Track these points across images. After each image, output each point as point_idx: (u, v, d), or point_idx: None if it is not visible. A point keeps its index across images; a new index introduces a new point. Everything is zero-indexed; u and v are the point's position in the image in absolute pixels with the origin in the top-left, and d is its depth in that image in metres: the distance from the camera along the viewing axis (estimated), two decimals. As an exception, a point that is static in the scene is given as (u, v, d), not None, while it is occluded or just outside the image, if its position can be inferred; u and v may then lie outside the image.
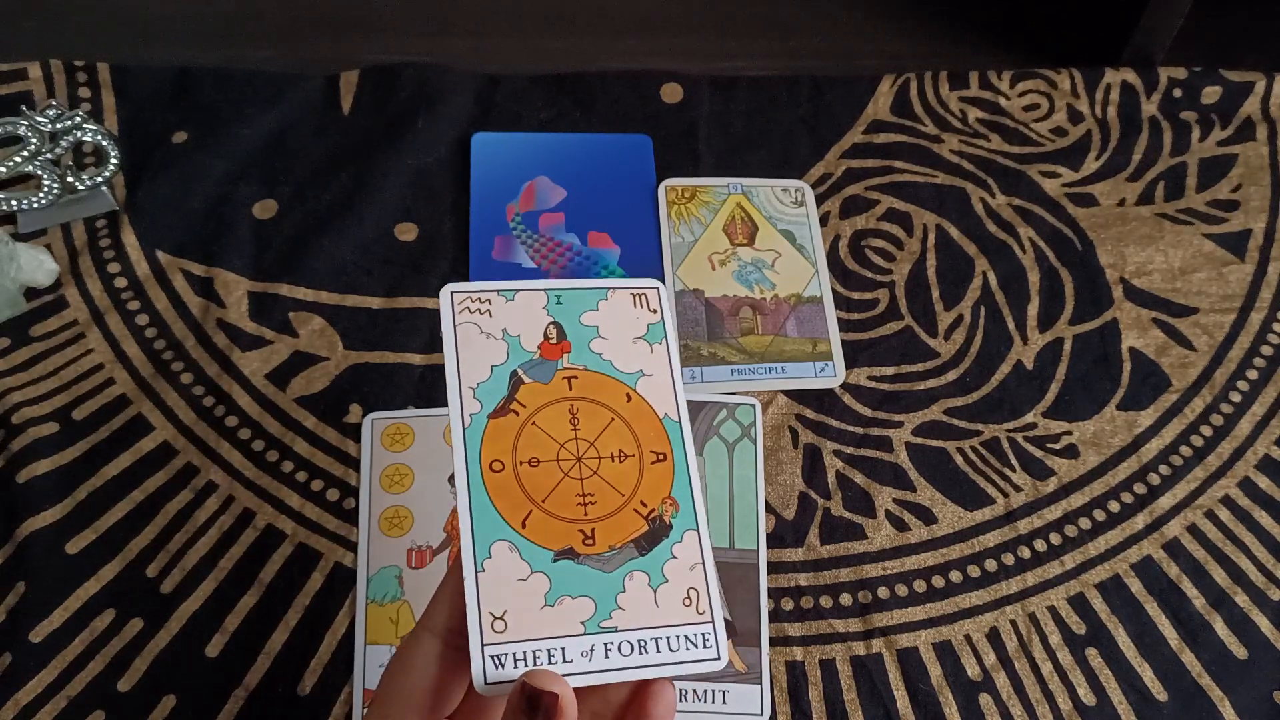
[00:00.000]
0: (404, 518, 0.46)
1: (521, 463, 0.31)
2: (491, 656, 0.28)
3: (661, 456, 0.32)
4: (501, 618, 0.28)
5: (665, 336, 0.34)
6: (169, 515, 0.47)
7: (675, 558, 0.30)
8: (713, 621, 0.30)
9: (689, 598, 0.30)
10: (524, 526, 0.30)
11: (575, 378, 0.32)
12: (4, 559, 0.45)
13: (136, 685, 0.43)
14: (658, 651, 0.29)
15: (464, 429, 0.31)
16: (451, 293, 0.32)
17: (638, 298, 0.34)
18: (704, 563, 0.31)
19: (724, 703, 0.44)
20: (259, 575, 0.45)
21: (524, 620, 0.28)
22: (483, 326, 0.32)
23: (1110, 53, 0.64)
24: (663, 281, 0.55)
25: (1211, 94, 0.63)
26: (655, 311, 0.34)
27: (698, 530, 0.31)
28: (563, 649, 0.28)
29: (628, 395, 0.32)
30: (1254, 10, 0.68)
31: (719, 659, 0.29)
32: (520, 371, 0.32)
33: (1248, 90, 0.63)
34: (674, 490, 0.31)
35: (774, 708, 0.44)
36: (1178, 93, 0.63)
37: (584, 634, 0.29)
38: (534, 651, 0.28)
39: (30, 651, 0.43)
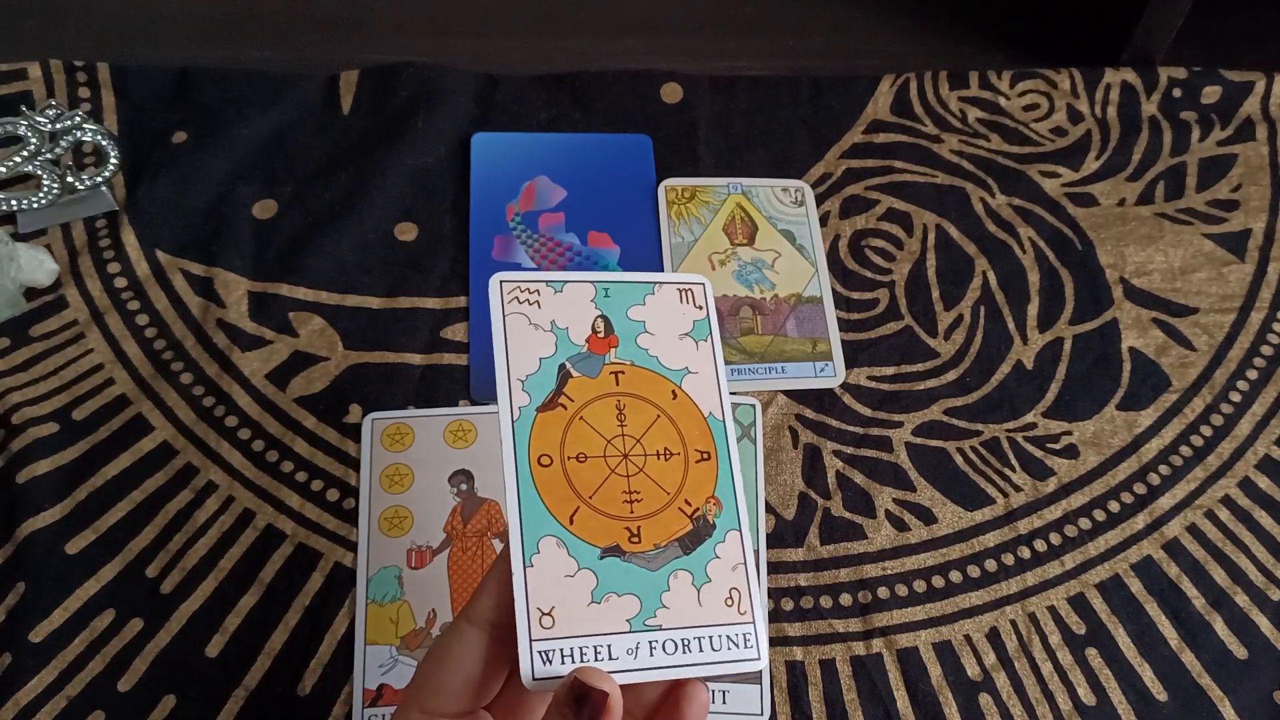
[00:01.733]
0: (404, 518, 0.46)
1: (569, 458, 0.30)
2: (540, 652, 0.28)
3: (706, 455, 0.32)
4: (549, 613, 0.28)
5: (710, 333, 0.34)
6: (169, 515, 0.47)
7: (718, 557, 0.30)
8: (754, 622, 0.30)
9: (731, 598, 0.30)
10: (571, 522, 0.29)
11: (622, 373, 0.32)
12: (4, 559, 0.45)
13: (136, 685, 0.43)
14: (700, 651, 0.29)
15: (513, 422, 0.30)
16: (501, 282, 0.32)
17: (684, 293, 0.34)
18: (746, 563, 0.31)
19: (724, 703, 0.44)
20: (259, 575, 0.45)
21: (571, 616, 0.28)
22: (531, 318, 0.32)
23: (1110, 53, 0.64)
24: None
25: (1211, 94, 0.63)
26: (701, 308, 0.34)
27: (740, 530, 0.31)
28: (609, 646, 0.28)
29: (673, 392, 0.32)
30: (1254, 10, 0.68)
31: (759, 659, 0.29)
32: (568, 364, 0.32)
33: (1248, 90, 0.63)
34: (718, 490, 0.31)
35: (774, 708, 0.44)
36: (1178, 93, 0.63)
37: (629, 632, 0.29)
38: (580, 648, 0.28)
39: (30, 651, 0.43)
